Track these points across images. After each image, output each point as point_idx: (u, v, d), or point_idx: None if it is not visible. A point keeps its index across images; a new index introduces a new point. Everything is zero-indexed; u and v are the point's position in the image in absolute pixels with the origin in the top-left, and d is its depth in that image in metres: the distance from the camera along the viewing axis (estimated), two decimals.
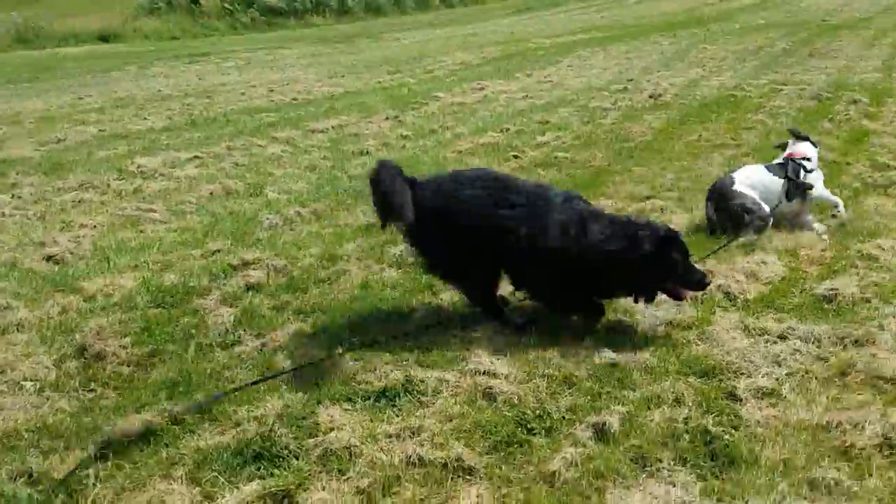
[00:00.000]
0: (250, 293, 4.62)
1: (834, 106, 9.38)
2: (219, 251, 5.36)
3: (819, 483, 2.70)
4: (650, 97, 11.00)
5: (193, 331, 4.11)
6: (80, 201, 6.57)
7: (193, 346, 3.95)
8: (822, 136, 7.54)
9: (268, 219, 6.02)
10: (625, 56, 15.79)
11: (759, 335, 3.78)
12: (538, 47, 18.55)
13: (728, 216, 5.15)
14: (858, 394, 3.21)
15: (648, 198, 6.26)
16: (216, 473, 2.91)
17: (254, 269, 4.98)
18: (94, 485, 2.84)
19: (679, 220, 5.54)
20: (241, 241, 5.58)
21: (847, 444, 2.88)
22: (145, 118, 10.75)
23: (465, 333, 3.99)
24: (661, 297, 3.94)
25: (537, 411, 3.26)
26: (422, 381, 3.47)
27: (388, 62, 17.77)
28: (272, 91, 13.54)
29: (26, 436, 3.15)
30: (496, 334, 3.94)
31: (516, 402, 3.33)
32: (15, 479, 2.87)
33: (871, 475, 2.71)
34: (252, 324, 4.20)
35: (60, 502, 2.77)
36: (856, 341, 3.60)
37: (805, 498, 2.62)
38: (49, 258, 5.20)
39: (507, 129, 9.39)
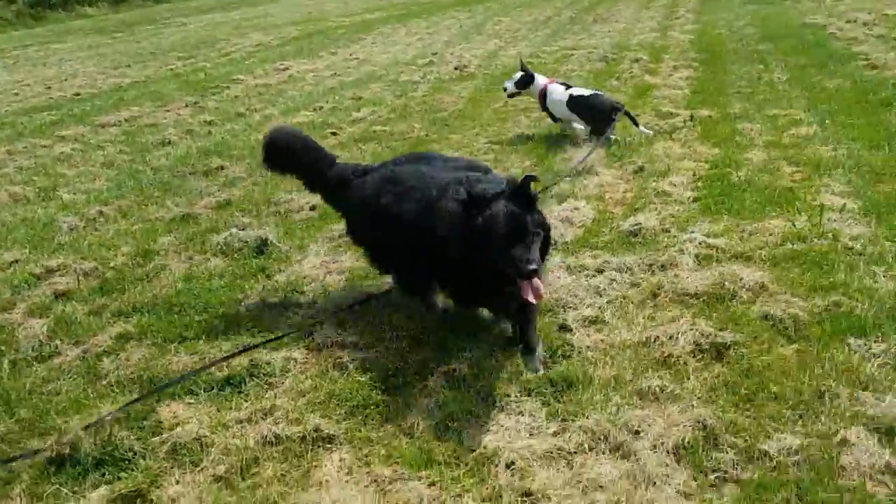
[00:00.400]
0: (60, 301, 4.24)
1: (619, 65, 10.21)
2: (16, 261, 4.85)
3: (646, 392, 2.99)
4: (455, 69, 11.32)
5: (3, 347, 3.70)
6: None
7: (6, 362, 3.56)
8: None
9: (65, 222, 5.51)
10: (426, 31, 16.09)
11: (580, 272, 4.08)
12: (338, 26, 18.40)
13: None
14: (669, 311, 3.59)
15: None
16: (57, 486, 2.67)
17: (60, 275, 4.57)
18: None
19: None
20: (39, 248, 5.08)
21: (666, 355, 3.21)
22: None
23: (306, 311, 3.94)
24: None
25: (390, 372, 3.31)
26: (268, 364, 3.40)
27: (177, 48, 16.79)
28: (49, 88, 12.31)
29: None
30: (340, 309, 3.92)
31: (368, 366, 3.35)
32: None
33: (688, 378, 3.05)
34: (68, 332, 3.87)
35: None
36: (661, 266, 4.00)
37: (637, 406, 2.90)
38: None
39: (321, 108, 9.27)
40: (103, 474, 2.76)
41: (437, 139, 7.46)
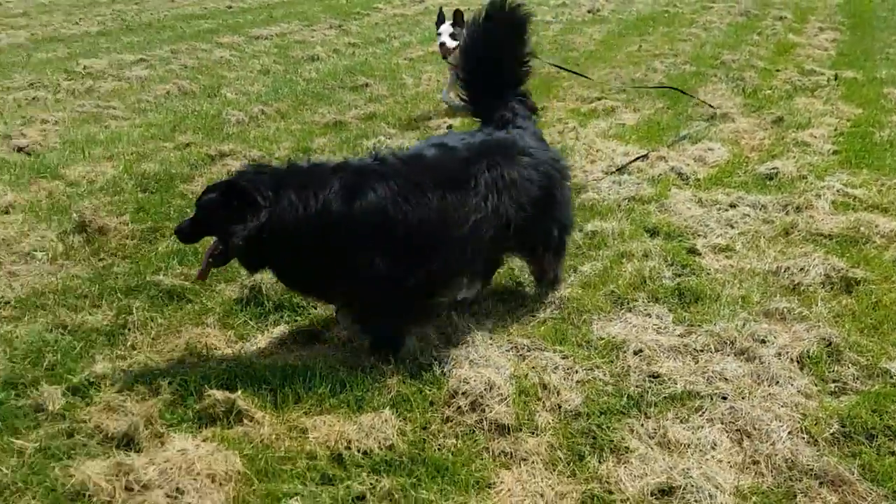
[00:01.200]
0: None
1: (761, 21, 9.92)
2: (191, 144, 5.43)
3: (773, 312, 3.18)
4: (588, 12, 11.28)
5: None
6: (33, 99, 6.42)
7: None
8: (751, 48, 8.05)
9: (233, 115, 6.07)
10: None
11: (712, 205, 4.24)
12: None
13: None
14: (801, 247, 3.72)
15: (599, 99, 6.63)
16: (245, 319, 3.17)
17: (231, 158, 5.10)
18: (130, 331, 3.05)
19: (629, 118, 5.96)
20: (211, 135, 5.65)
21: (795, 283, 3.38)
22: (76, 23, 10.30)
23: None
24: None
25: (523, 268, 3.62)
26: None
27: None
28: None
29: (52, 297, 3.30)
30: None
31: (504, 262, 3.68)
32: (51, 331, 3.04)
33: (816, 304, 3.21)
34: None
35: (102, 343, 2.97)
36: (797, 207, 4.11)
37: (763, 322, 3.11)
38: (20, 149, 5.15)
39: None
40: (282, 315, 3.24)
41: (567, 77, 7.60)
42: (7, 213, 4.16)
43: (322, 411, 2.56)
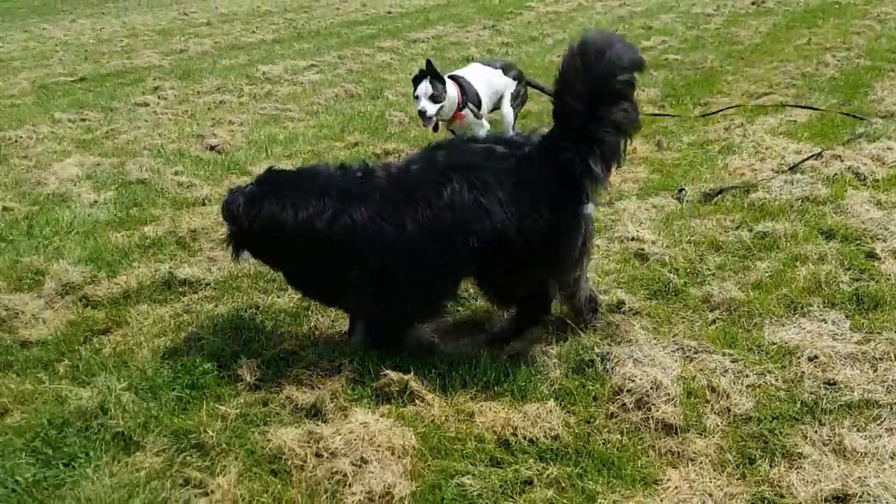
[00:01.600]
0: None
1: None
2: (358, 143, 5.79)
3: None
4: (752, 3, 10.75)
5: None
6: (221, 102, 7.09)
7: None
8: None
9: (395, 116, 6.39)
10: None
11: (892, 207, 3.96)
12: None
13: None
14: None
15: (767, 94, 6.33)
16: None
17: (395, 156, 5.38)
18: (313, 314, 3.33)
19: (800, 115, 5.65)
20: (376, 135, 5.99)
21: None
22: (254, 31, 11.19)
23: (608, 209, 4.31)
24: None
25: (687, 269, 3.58)
26: None
27: None
28: (364, 5, 13.75)
29: (245, 280, 3.66)
30: (639, 209, 4.24)
31: (667, 261, 3.65)
32: (246, 310, 3.39)
33: None
34: None
35: (288, 323, 3.27)
36: None
37: None
38: (211, 148, 5.73)
39: None
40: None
41: (732, 71, 7.30)
42: (204, 204, 4.65)
43: (487, 398, 2.69)
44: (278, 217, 2.73)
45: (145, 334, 3.21)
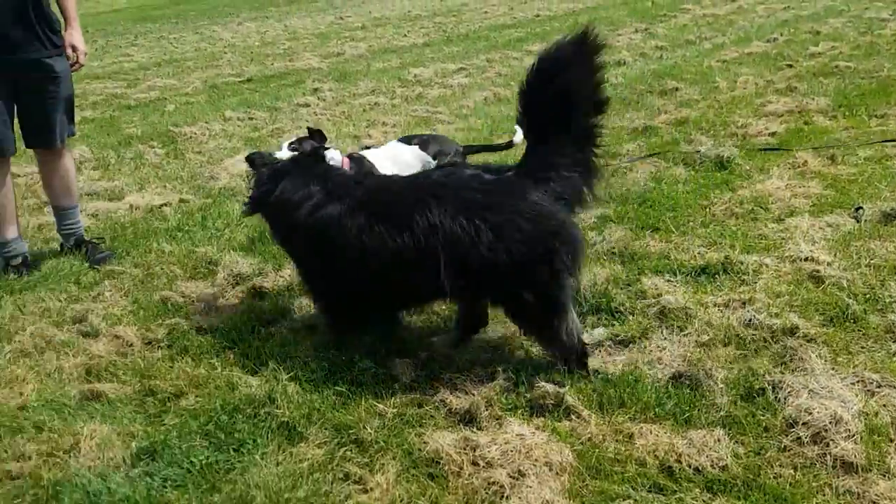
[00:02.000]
0: None
1: None
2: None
3: None
4: None
5: None
6: (375, 104, 7.33)
7: None
8: None
9: None
10: None
11: None
12: None
13: None
14: None
15: None
16: None
17: None
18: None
19: None
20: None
21: None
22: (405, 35, 11.50)
23: (775, 226, 4.03)
24: None
25: (867, 295, 3.27)
26: (741, 263, 3.60)
27: None
28: (512, 9, 13.77)
29: None
30: (812, 227, 3.94)
31: (845, 285, 3.35)
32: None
33: None
34: None
35: (441, 326, 3.30)
36: None
37: None
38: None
39: (774, 40, 8.88)
40: (599, 319, 3.31)
41: None
42: None
43: (647, 420, 2.57)
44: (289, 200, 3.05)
45: (308, 327, 3.35)
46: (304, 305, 3.54)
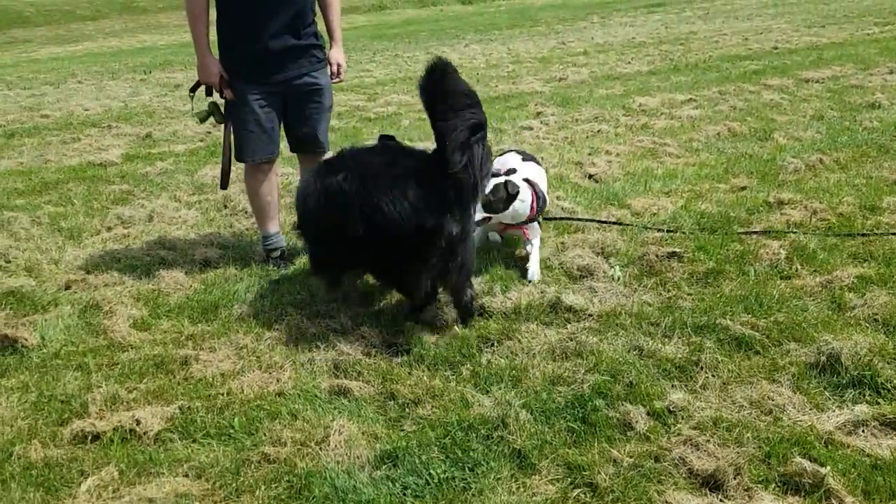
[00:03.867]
0: (792, 231, 4.58)
1: None
2: (746, 188, 5.41)
3: None
4: None
5: (751, 257, 4.23)
6: (598, 131, 7.23)
7: (753, 270, 4.08)
8: None
9: (790, 163, 5.86)
10: None
11: None
12: None
13: None
14: None
15: None
16: (821, 388, 2.99)
17: (790, 208, 4.92)
18: (702, 371, 3.15)
19: None
20: (765, 181, 5.55)
21: None
22: (629, 62, 11.27)
23: None
24: None
25: None
26: None
27: (871, 13, 15.70)
28: (746, 39, 13.02)
29: (628, 318, 3.62)
30: None
31: None
32: (628, 352, 3.33)
33: None
34: (806, 260, 4.17)
35: (675, 374, 3.13)
36: None
37: None
38: (589, 176, 5.84)
39: None
40: (860, 393, 2.96)
41: None
42: (583, 232, 4.72)
43: None
44: None
45: (535, 354, 3.33)
46: (532, 330, 3.53)
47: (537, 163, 4.75)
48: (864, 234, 4.45)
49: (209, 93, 4.32)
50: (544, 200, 4.40)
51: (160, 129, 8.81)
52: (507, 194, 4.10)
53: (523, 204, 4.17)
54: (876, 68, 9.68)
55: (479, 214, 4.04)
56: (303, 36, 4.22)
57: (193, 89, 4.38)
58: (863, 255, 4.20)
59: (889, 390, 2.95)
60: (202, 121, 4.44)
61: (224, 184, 4.43)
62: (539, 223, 4.42)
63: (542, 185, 4.47)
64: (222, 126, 4.35)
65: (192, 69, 14.06)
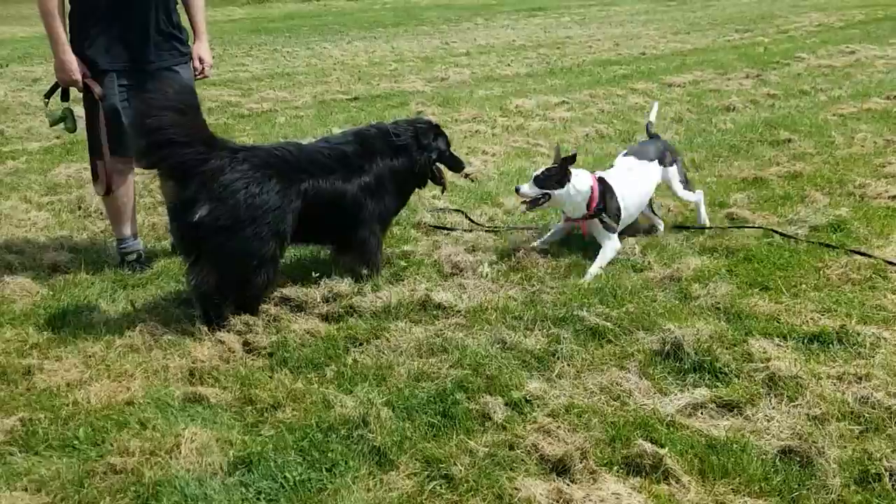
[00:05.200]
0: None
1: None
2: None
3: None
4: None
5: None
6: (475, 132, 7.38)
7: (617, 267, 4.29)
8: None
9: None
10: None
11: None
12: None
13: None
14: None
15: None
16: (664, 373, 3.19)
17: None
18: (559, 360, 3.28)
19: None
20: None
21: None
22: (508, 64, 11.56)
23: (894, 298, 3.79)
24: None
25: None
26: (857, 334, 3.40)
27: (733, 20, 16.88)
28: (617, 45, 13.65)
29: (493, 313, 3.72)
30: None
31: None
32: (492, 345, 3.42)
33: None
34: (659, 254, 4.42)
35: (534, 365, 3.24)
36: None
37: None
38: (465, 176, 5.95)
39: (895, 96, 8.45)
40: (701, 377, 3.18)
41: None
42: (454, 230, 4.81)
43: (751, 493, 2.44)
44: None
45: (402, 352, 3.35)
46: (401, 328, 3.56)
47: (662, 163, 4.65)
48: (709, 228, 4.78)
49: (65, 97, 4.08)
50: (617, 206, 4.35)
51: (13, 126, 8.23)
52: (562, 174, 4.23)
53: (578, 193, 4.26)
54: (734, 73, 10.41)
55: (532, 190, 4.29)
56: (163, 24, 4.06)
57: (49, 94, 4.12)
58: (709, 248, 4.51)
59: (726, 374, 3.17)
60: (53, 124, 4.18)
61: (105, 186, 4.10)
62: (611, 228, 4.35)
63: (631, 190, 4.43)
64: (84, 126, 4.11)
65: (52, 62, 13.23)
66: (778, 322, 3.58)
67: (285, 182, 3.58)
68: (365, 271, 4.04)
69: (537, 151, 6.72)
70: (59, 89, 4.04)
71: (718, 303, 3.79)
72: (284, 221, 3.56)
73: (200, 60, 4.31)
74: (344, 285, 3.93)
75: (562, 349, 3.35)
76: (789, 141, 6.83)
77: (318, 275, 3.99)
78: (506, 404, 2.95)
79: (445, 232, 4.84)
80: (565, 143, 7.03)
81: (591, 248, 4.44)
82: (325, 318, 3.73)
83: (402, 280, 4.10)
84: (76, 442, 2.69)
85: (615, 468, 2.56)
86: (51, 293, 3.95)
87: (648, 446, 2.59)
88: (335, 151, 3.91)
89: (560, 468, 2.55)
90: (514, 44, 14.07)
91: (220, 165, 3.39)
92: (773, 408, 2.95)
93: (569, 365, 3.26)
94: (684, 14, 18.85)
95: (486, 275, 4.20)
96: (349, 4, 24.63)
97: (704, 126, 7.59)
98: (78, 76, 3.91)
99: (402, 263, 4.32)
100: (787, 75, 10.19)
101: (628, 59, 11.98)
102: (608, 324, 3.56)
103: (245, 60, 12.70)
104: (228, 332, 3.48)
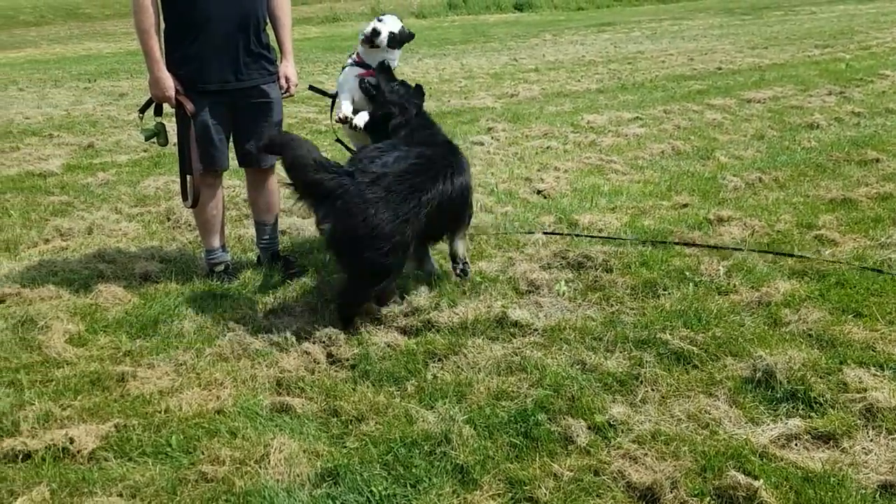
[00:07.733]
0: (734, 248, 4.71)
1: None
2: (688, 205, 5.55)
3: None
4: None
5: (690, 273, 4.33)
6: (547, 148, 7.33)
7: (691, 285, 4.18)
8: None
9: (729, 180, 6.03)
10: None
11: None
12: None
13: None
14: None
15: None
16: (756, 402, 3.07)
17: (729, 224, 5.06)
18: (642, 384, 3.20)
19: None
20: (706, 198, 5.70)
21: None
22: (578, 80, 11.47)
23: None
24: None
25: None
26: None
27: (812, 35, 16.32)
28: (692, 60, 13.38)
29: (572, 334, 3.67)
30: None
31: None
32: (571, 366, 3.37)
33: None
34: (746, 276, 4.28)
35: (616, 389, 3.18)
36: None
37: None
38: (538, 192, 5.92)
39: None
40: (794, 407, 3.05)
41: None
42: (534, 246, 4.78)
43: None
44: None
45: (480, 369, 3.34)
46: (478, 345, 3.55)
47: None
48: (800, 256, 4.60)
49: (158, 112, 4.25)
50: None
51: (103, 139, 8.61)
52: None
53: None
54: (815, 89, 10.05)
55: None
56: (253, 45, 4.18)
57: (143, 109, 4.29)
58: (799, 272, 4.34)
59: (821, 404, 3.04)
60: (147, 139, 4.35)
61: (193, 199, 4.25)
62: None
63: None
64: (175, 140, 4.28)
65: (138, 77, 13.78)
66: (874, 350, 3.42)
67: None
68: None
69: (610, 168, 6.63)
70: (153, 105, 4.20)
71: (810, 329, 3.65)
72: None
73: (287, 79, 4.42)
74: (422, 299, 3.95)
75: (645, 373, 3.28)
76: (878, 161, 6.54)
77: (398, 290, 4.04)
78: (588, 428, 2.90)
79: (519, 249, 4.81)
80: (640, 159, 6.93)
81: (672, 268, 4.34)
82: (404, 331, 3.75)
83: (479, 296, 4.09)
84: (169, 449, 2.77)
85: (707, 499, 2.48)
86: (142, 302, 4.10)
87: (742, 478, 2.50)
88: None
89: (649, 497, 2.49)
90: (584, 59, 13.97)
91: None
92: (872, 440, 2.81)
93: (653, 390, 3.18)
94: (760, 28, 18.35)
95: (563, 293, 4.16)
96: (417, 22, 24.89)
97: (788, 144, 7.34)
98: (171, 93, 4.05)
99: (478, 279, 4.32)
100: (872, 93, 9.78)
101: (703, 73, 11.73)
102: (694, 348, 3.46)
103: (321, 77, 12.96)
104: (313, 343, 3.54)
